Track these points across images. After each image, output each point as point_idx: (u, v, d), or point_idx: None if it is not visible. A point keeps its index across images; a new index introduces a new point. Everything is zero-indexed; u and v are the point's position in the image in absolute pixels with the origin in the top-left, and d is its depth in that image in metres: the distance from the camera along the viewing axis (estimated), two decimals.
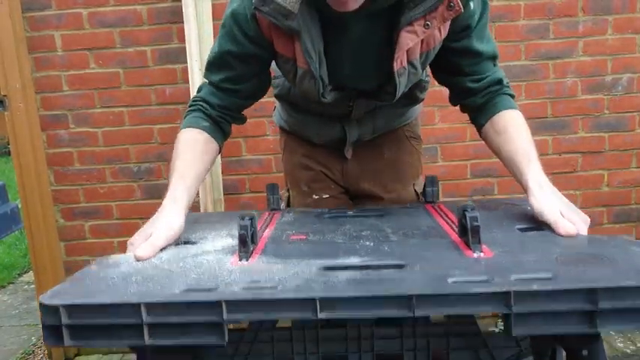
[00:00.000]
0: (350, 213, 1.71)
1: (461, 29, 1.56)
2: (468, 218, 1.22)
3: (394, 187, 2.05)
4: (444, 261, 1.16)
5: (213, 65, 1.67)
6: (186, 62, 3.21)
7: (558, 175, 3.46)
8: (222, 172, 3.36)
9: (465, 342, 1.35)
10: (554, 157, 3.46)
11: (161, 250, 1.34)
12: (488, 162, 3.36)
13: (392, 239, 1.36)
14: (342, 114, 1.87)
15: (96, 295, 1.04)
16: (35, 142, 3.39)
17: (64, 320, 1.01)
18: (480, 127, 1.72)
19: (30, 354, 3.51)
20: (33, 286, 4.06)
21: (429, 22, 1.47)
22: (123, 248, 3.37)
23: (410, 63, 1.56)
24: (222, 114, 1.69)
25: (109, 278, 1.14)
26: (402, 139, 2.06)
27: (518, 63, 3.37)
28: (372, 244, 1.32)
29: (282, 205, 2.12)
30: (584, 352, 1.13)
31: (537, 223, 1.40)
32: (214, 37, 3.02)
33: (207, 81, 1.71)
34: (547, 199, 1.41)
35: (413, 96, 1.91)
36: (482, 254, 1.18)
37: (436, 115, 3.40)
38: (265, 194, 1.89)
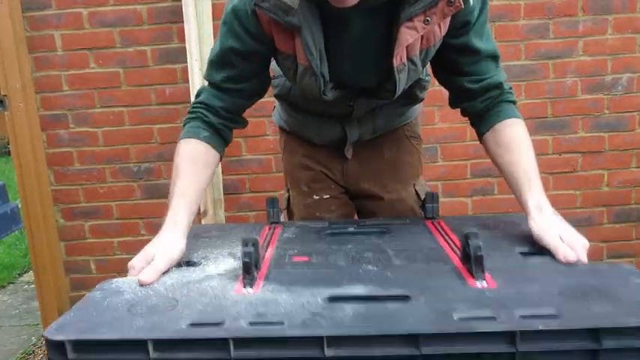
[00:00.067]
0: (351, 229, 1.70)
1: (460, 25, 1.55)
2: (471, 247, 1.22)
3: (394, 187, 2.04)
4: (448, 292, 1.16)
5: (215, 64, 1.66)
6: (186, 62, 3.22)
7: (558, 175, 3.47)
8: (222, 172, 3.37)
9: None
10: (554, 157, 3.47)
11: (163, 273, 1.34)
12: (488, 162, 3.29)
13: (395, 263, 1.36)
14: (342, 114, 1.86)
15: (101, 328, 1.04)
16: (35, 142, 3.40)
17: (70, 356, 1.01)
18: (480, 135, 1.72)
19: (30, 354, 3.51)
20: (33, 286, 4.05)
21: (428, 18, 1.46)
22: (123, 248, 3.43)
23: (410, 59, 1.55)
24: (223, 121, 1.68)
25: (114, 309, 1.14)
26: (402, 139, 2.06)
27: (518, 63, 3.37)
28: (375, 268, 1.32)
29: (283, 204, 2.12)
30: None
31: (538, 247, 1.40)
32: (214, 36, 3.02)
33: (207, 83, 1.70)
34: (547, 223, 1.41)
35: (413, 95, 1.91)
36: (485, 284, 1.19)
37: (436, 114, 3.40)
38: (265, 193, 1.88)
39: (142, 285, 1.27)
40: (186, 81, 3.29)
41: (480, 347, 0.98)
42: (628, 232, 3.58)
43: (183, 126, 1.69)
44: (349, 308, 1.09)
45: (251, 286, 1.22)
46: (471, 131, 1.93)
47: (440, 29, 1.52)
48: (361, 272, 1.30)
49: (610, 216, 3.56)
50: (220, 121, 1.67)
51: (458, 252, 1.39)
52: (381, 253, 1.44)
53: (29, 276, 4.84)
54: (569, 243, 1.35)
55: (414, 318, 1.04)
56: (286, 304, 1.13)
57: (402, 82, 1.60)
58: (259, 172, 3.49)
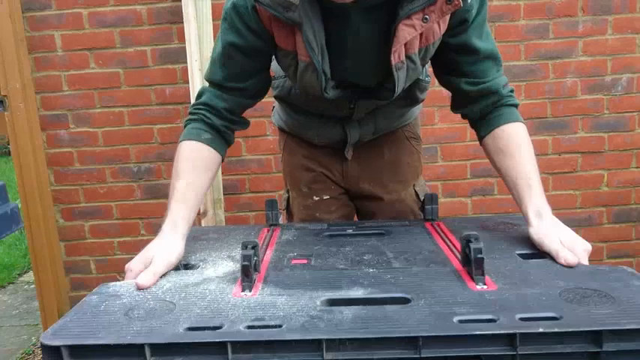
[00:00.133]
0: (350, 231, 1.69)
1: (458, 23, 1.54)
2: (472, 250, 1.22)
3: (394, 187, 2.04)
4: (448, 295, 1.15)
5: (216, 62, 1.65)
6: (186, 62, 3.21)
7: (558, 175, 3.47)
8: (222, 172, 3.36)
9: None
10: (554, 157, 3.47)
11: (161, 276, 1.33)
12: (488, 162, 3.27)
13: (394, 265, 1.35)
14: (343, 115, 1.86)
15: (98, 333, 1.04)
16: (35, 142, 3.40)
17: None
18: (480, 139, 1.71)
19: (30, 354, 3.50)
20: (33, 286, 4.06)
21: (427, 16, 1.45)
22: (123, 248, 3.43)
23: (408, 57, 1.54)
24: (226, 122, 1.66)
25: (111, 312, 1.13)
26: (402, 140, 2.06)
27: (518, 63, 3.37)
28: (374, 271, 1.32)
29: (282, 205, 2.12)
30: None
31: (537, 249, 1.41)
32: (214, 37, 3.02)
33: (209, 83, 1.69)
34: (546, 229, 1.41)
35: (413, 96, 1.91)
36: (485, 287, 1.18)
37: (436, 115, 3.40)
38: (265, 193, 1.87)
39: (139, 289, 1.26)
40: (186, 81, 3.28)
41: (480, 350, 0.97)
42: (628, 232, 3.58)
43: (184, 127, 1.67)
44: (348, 311, 1.08)
45: (249, 290, 1.22)
46: (470, 131, 1.93)
47: (439, 27, 1.51)
48: (360, 275, 1.30)
49: (610, 216, 3.56)
50: (223, 122, 1.66)
51: (457, 254, 1.39)
52: (380, 255, 1.44)
53: (29, 276, 4.85)
54: (569, 246, 1.34)
55: (414, 320, 1.03)
56: (285, 308, 1.12)
57: (401, 81, 1.59)
58: (259, 172, 3.49)
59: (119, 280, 1.31)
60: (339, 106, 1.77)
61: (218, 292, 1.23)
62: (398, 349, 0.98)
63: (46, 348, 1.01)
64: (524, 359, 0.97)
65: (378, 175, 2.04)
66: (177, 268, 1.40)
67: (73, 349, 1.00)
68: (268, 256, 1.49)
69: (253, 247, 1.27)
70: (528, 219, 1.47)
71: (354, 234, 1.68)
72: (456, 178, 3.51)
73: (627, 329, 0.96)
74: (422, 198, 1.95)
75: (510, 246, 1.47)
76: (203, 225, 3.07)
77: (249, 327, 1.04)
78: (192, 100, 1.71)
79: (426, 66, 1.85)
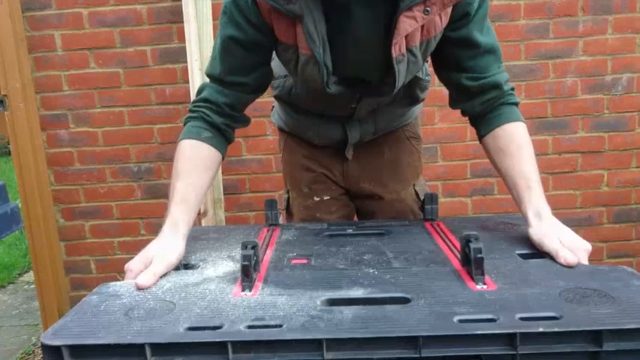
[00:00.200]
0: (350, 231, 1.69)
1: (460, 17, 1.54)
2: (471, 250, 1.22)
3: (394, 187, 2.04)
4: (448, 295, 1.15)
5: (216, 56, 1.63)
6: (186, 62, 3.21)
7: (558, 175, 3.47)
8: (222, 172, 3.37)
9: None
10: (554, 157, 3.47)
11: (161, 276, 1.33)
12: (488, 162, 3.28)
13: (394, 265, 1.35)
14: (343, 115, 1.86)
15: (99, 332, 1.04)
16: (35, 141, 3.40)
17: None
18: (480, 138, 1.70)
19: (30, 354, 3.50)
20: (33, 286, 4.06)
21: (428, 8, 1.44)
22: (123, 248, 3.43)
23: (409, 50, 1.53)
24: (226, 120, 1.65)
25: (111, 312, 1.13)
26: (402, 139, 2.05)
27: (518, 63, 3.37)
28: (374, 271, 1.32)
29: (282, 205, 2.11)
30: None
31: (537, 249, 1.41)
32: (214, 36, 3.02)
33: (209, 79, 1.67)
34: (546, 229, 1.41)
35: (413, 95, 1.91)
36: (485, 286, 1.18)
37: (436, 114, 3.40)
38: (265, 193, 1.87)
39: (139, 289, 1.26)
40: (186, 81, 3.28)
41: (480, 349, 0.97)
42: (628, 232, 3.58)
43: (184, 124, 1.66)
44: (348, 311, 1.08)
45: (249, 289, 1.22)
46: (471, 131, 1.94)
47: (441, 20, 1.51)
48: (360, 275, 1.30)
49: (610, 216, 3.56)
50: (223, 120, 1.64)
51: (457, 254, 1.39)
52: (380, 255, 1.44)
53: (29, 276, 4.85)
54: (569, 246, 1.34)
55: (414, 320, 1.03)
56: (285, 307, 1.12)
57: (401, 75, 1.58)
58: (259, 172, 3.49)
59: (119, 280, 1.31)
60: (340, 106, 1.77)
61: (218, 291, 1.23)
62: (398, 348, 0.98)
63: (46, 348, 1.01)
64: (524, 359, 0.97)
65: (378, 174, 2.03)
66: (177, 268, 1.40)
67: (73, 348, 1.00)
68: (268, 256, 1.49)
69: (253, 247, 1.27)
70: (528, 219, 1.47)
71: (354, 234, 1.68)
72: (456, 178, 3.52)
73: (627, 329, 0.96)
74: (422, 198, 1.95)
75: (510, 246, 1.47)
76: (203, 225, 3.07)
77: (250, 327, 1.04)
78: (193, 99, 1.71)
79: (427, 65, 1.84)
